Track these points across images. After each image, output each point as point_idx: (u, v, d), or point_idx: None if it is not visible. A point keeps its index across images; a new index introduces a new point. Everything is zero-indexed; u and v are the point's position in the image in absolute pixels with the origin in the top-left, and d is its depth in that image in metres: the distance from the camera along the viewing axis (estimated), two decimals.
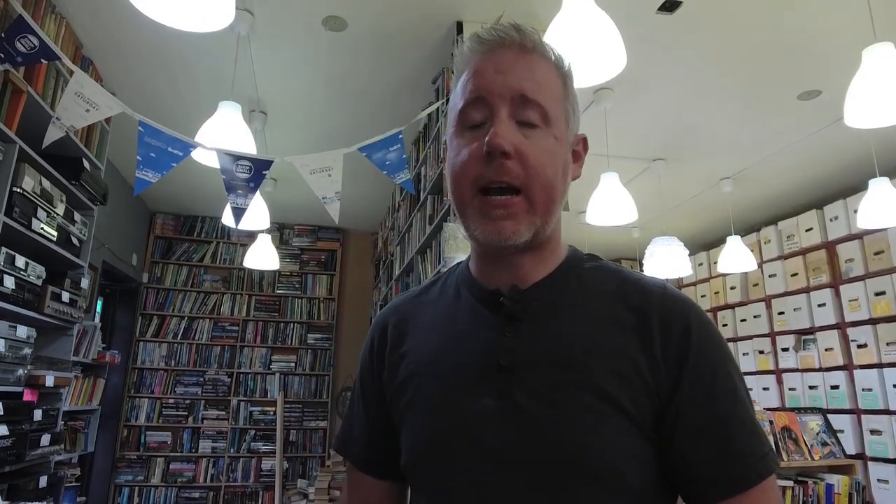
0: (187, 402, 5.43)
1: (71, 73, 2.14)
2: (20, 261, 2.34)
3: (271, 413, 5.51)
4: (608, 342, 0.64)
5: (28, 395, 2.47)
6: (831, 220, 4.16)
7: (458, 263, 0.80)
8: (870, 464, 3.74)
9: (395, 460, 0.73)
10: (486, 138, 0.63)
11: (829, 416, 2.65)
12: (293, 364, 5.73)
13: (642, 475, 0.61)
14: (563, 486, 0.59)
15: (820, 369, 4.19)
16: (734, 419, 0.61)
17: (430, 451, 0.67)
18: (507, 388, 0.64)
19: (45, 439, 2.50)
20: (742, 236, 4.45)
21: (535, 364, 0.64)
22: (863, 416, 3.81)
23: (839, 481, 2.37)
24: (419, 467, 0.69)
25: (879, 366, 3.72)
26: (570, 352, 0.64)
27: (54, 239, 2.57)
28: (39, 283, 2.48)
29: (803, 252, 4.39)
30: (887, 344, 3.68)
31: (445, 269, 0.82)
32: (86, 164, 2.81)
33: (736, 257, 4.16)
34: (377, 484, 0.78)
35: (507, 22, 0.70)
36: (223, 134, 2.51)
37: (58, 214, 2.60)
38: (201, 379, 5.50)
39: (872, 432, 3.73)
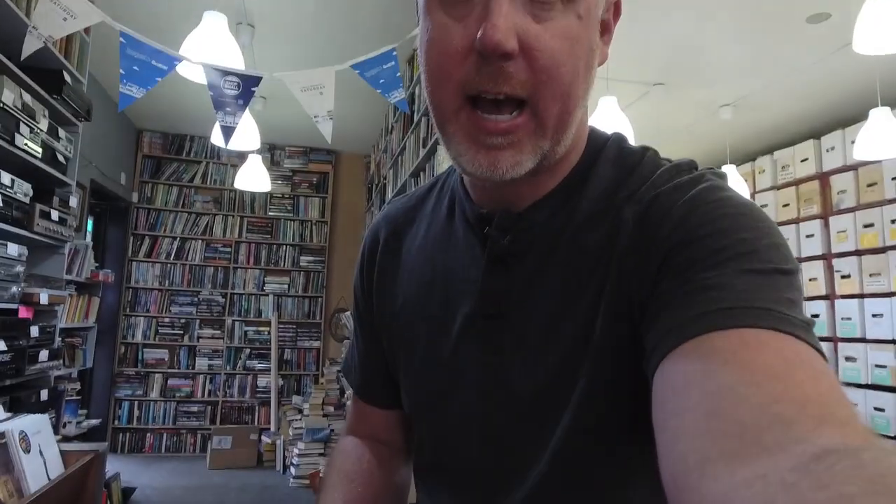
0: (182, 321, 5.52)
1: None
2: (6, 178, 2.29)
3: (265, 333, 5.62)
4: (611, 279, 0.50)
5: (23, 313, 2.50)
6: (827, 150, 4.13)
7: None
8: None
9: (393, 390, 0.69)
10: (480, 32, 0.44)
11: None
12: (286, 286, 5.79)
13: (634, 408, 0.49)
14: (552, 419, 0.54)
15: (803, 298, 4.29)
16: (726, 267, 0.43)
17: (424, 403, 0.65)
18: (496, 338, 0.56)
19: (44, 355, 2.54)
20: (737, 165, 4.42)
21: (527, 313, 0.54)
22: (839, 344, 3.95)
23: None
24: (416, 414, 0.67)
25: (861, 296, 3.81)
26: (567, 299, 0.52)
27: (39, 156, 2.51)
28: (27, 200, 2.45)
29: (797, 183, 4.38)
30: (870, 275, 3.76)
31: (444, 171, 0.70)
32: (67, 77, 2.71)
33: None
34: (378, 413, 0.73)
35: None
36: (209, 47, 2.41)
37: (41, 130, 2.52)
38: (196, 299, 5.57)
39: (847, 359, 3.88)
